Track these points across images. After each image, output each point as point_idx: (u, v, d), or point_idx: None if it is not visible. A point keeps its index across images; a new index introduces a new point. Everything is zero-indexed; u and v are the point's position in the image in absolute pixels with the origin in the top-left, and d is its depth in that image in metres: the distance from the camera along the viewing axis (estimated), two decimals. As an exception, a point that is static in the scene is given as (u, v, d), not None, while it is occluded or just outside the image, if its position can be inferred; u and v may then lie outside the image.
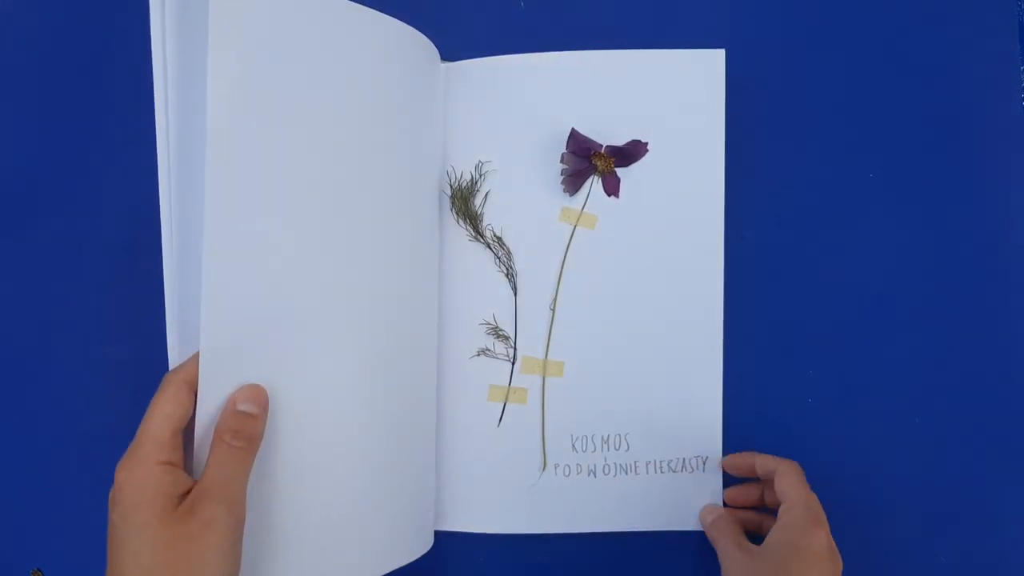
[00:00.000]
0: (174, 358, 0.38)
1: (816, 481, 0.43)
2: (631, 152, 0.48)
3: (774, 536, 0.42)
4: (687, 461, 0.48)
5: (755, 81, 0.51)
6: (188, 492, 0.35)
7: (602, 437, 0.48)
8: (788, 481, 0.43)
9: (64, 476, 0.51)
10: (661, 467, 0.48)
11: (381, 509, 0.44)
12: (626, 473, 0.48)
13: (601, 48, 0.50)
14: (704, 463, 0.48)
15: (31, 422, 0.52)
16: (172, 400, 0.36)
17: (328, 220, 0.41)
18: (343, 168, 0.42)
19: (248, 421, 0.37)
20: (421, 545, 0.47)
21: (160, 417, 0.35)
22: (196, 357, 0.36)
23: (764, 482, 0.47)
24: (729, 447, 0.48)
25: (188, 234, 0.38)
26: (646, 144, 0.48)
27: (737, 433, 0.48)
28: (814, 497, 0.43)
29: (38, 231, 0.54)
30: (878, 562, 0.48)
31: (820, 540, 0.41)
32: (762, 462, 0.46)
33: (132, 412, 0.53)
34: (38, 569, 0.51)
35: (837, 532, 0.41)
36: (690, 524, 0.48)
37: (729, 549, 0.43)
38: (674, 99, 0.49)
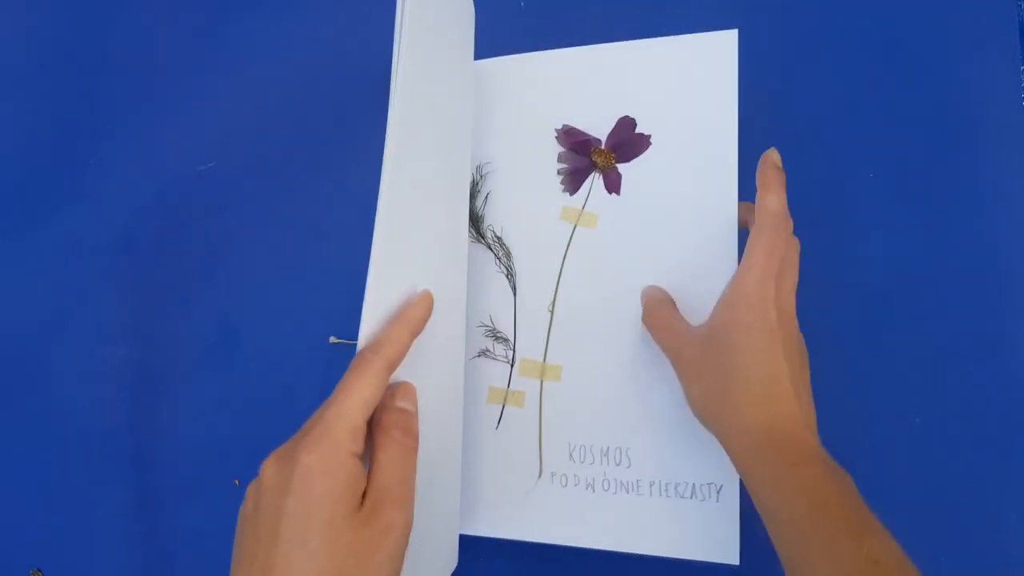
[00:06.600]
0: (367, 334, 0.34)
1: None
2: (632, 146, 0.46)
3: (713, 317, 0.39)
4: (697, 488, 0.43)
5: (753, 79, 0.51)
6: (364, 490, 0.32)
7: (601, 449, 0.45)
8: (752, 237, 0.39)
9: (64, 476, 0.51)
10: (667, 490, 0.44)
11: (438, 521, 0.43)
12: (627, 492, 0.44)
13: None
14: (719, 492, 0.43)
15: (31, 422, 0.52)
16: (372, 384, 0.32)
17: (435, 214, 0.41)
18: (441, 158, 0.42)
19: (411, 419, 0.34)
20: (451, 560, 0.45)
21: (357, 401, 0.31)
22: (396, 339, 0.34)
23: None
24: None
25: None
26: (648, 137, 0.46)
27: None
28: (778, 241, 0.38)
29: (38, 231, 0.54)
30: (878, 562, 0.48)
31: (754, 291, 0.37)
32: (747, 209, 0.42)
33: (132, 412, 0.53)
34: (38, 569, 0.51)
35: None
36: (699, 554, 0.43)
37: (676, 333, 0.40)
38: (683, 88, 0.46)
